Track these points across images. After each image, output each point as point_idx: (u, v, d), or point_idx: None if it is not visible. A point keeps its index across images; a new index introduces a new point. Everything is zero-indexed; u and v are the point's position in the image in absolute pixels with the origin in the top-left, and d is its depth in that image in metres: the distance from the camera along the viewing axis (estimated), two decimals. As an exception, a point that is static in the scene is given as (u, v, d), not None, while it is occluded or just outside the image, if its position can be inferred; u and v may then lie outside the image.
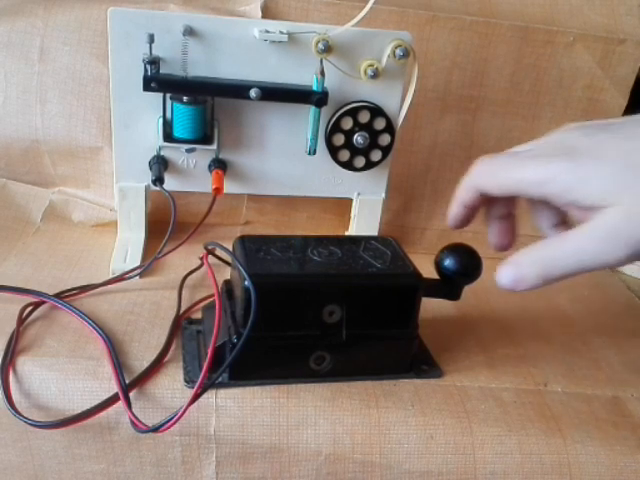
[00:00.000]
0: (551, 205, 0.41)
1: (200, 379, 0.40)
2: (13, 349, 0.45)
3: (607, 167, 0.36)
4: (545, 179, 0.38)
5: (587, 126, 0.40)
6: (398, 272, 0.45)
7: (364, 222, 0.65)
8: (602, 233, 0.36)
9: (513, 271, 0.39)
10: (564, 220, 0.42)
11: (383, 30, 0.57)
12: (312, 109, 0.57)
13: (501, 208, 0.44)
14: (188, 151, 0.59)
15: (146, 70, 0.54)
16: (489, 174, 0.41)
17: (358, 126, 0.59)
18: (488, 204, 0.45)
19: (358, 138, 0.59)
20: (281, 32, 0.55)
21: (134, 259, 0.59)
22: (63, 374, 0.44)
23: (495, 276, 0.40)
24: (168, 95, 0.56)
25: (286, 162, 0.61)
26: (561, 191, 0.38)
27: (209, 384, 0.41)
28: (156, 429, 0.39)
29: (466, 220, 0.44)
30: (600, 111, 0.70)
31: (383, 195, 0.64)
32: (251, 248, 0.45)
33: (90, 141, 0.63)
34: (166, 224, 0.57)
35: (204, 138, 0.58)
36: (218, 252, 0.48)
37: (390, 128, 0.60)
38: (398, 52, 0.56)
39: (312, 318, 0.43)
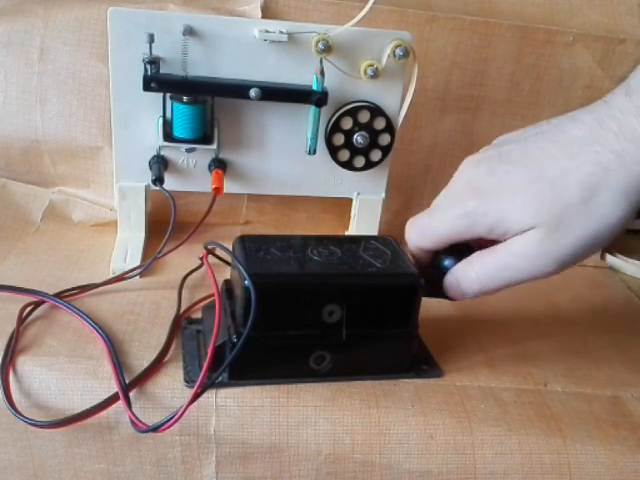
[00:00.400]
0: None
1: (200, 379, 0.40)
2: (13, 349, 0.45)
3: (518, 198, 0.40)
4: (467, 226, 0.42)
5: (486, 160, 0.43)
6: (398, 272, 0.45)
7: (364, 222, 0.65)
8: (532, 251, 0.40)
9: (456, 288, 0.44)
10: None
11: (383, 30, 0.57)
12: (312, 109, 0.57)
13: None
14: (188, 151, 0.59)
15: (146, 70, 0.54)
16: (419, 235, 0.45)
17: (358, 126, 0.59)
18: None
19: (358, 138, 0.59)
20: (281, 32, 0.55)
21: (134, 259, 0.59)
22: (63, 374, 0.44)
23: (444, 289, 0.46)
24: (168, 95, 0.56)
25: (286, 162, 0.61)
26: (487, 230, 0.42)
27: (209, 384, 0.41)
28: (156, 429, 0.39)
29: None
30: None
31: (383, 195, 0.64)
32: (251, 248, 0.45)
33: (90, 141, 0.63)
34: (166, 224, 0.57)
35: (204, 138, 0.58)
36: (218, 252, 0.48)
37: (390, 128, 0.60)
38: (398, 52, 0.56)
39: (312, 318, 0.43)
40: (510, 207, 0.40)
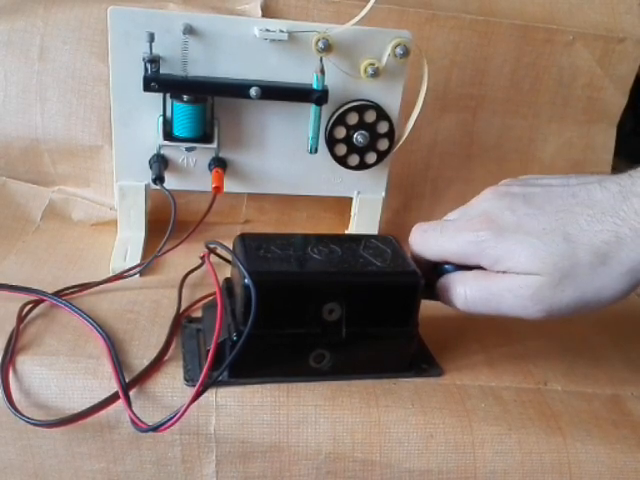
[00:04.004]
0: None
1: (201, 378, 0.40)
2: (13, 348, 0.45)
3: (530, 243, 0.41)
4: (474, 253, 0.43)
5: (510, 196, 0.44)
6: (398, 270, 0.45)
7: (364, 221, 0.65)
8: (528, 294, 0.41)
9: (445, 295, 0.45)
10: None
11: (383, 29, 0.57)
12: (313, 107, 0.57)
13: None
14: (188, 150, 0.59)
15: (146, 69, 0.54)
16: (423, 245, 0.46)
17: (358, 125, 0.59)
18: None
19: (358, 137, 0.59)
20: (281, 31, 0.55)
21: (134, 258, 0.59)
22: (63, 373, 0.44)
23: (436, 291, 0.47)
24: (168, 94, 0.56)
25: (286, 161, 0.61)
26: (490, 263, 0.43)
27: (210, 383, 0.41)
28: (156, 428, 0.39)
29: None
30: (600, 110, 0.70)
31: (383, 194, 0.64)
32: (251, 246, 0.45)
33: (90, 140, 0.63)
34: (166, 223, 0.57)
35: (204, 137, 0.58)
36: (218, 250, 0.48)
37: (390, 127, 0.60)
38: (398, 51, 0.56)
39: (312, 316, 0.43)
40: (520, 249, 0.41)
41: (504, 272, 0.42)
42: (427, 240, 0.46)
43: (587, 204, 0.41)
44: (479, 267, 0.44)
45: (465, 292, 0.44)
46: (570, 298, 0.40)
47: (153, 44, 0.53)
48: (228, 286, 0.47)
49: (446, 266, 0.46)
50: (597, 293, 0.40)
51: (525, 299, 0.41)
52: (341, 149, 0.60)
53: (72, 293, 0.52)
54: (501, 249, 0.42)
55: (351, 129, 0.59)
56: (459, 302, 0.44)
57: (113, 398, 0.42)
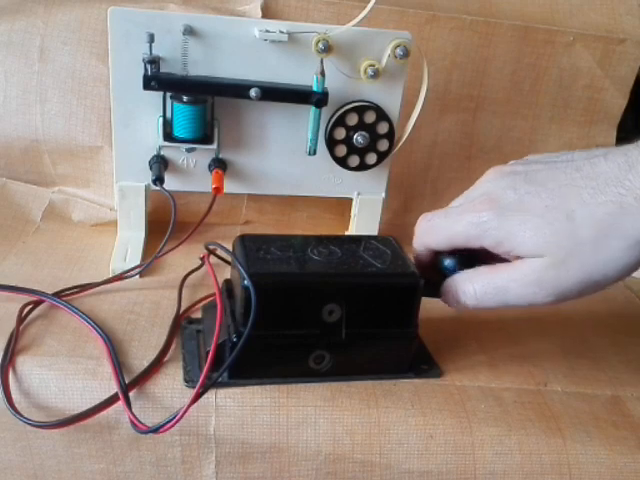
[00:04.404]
0: None
1: (201, 379, 0.40)
2: (13, 348, 0.45)
3: (530, 223, 0.40)
4: (477, 235, 0.42)
5: (512, 175, 0.43)
6: (398, 272, 0.45)
7: (364, 221, 0.65)
8: (532, 278, 0.40)
9: (453, 296, 0.45)
10: None
11: (383, 30, 0.57)
12: (312, 109, 0.57)
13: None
14: (188, 151, 0.59)
15: (146, 70, 0.54)
16: (429, 233, 0.46)
17: (358, 126, 0.59)
18: None
19: (358, 138, 0.59)
20: (281, 32, 0.55)
21: (134, 258, 0.59)
22: (63, 373, 0.44)
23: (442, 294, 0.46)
24: (168, 95, 0.56)
25: (286, 162, 0.61)
26: (494, 244, 0.42)
27: (210, 384, 0.41)
28: (156, 430, 0.39)
29: None
30: (600, 110, 0.70)
31: (383, 194, 0.64)
32: (251, 247, 0.45)
33: (90, 140, 0.63)
34: (166, 224, 0.57)
35: (204, 138, 0.58)
36: (218, 251, 0.48)
37: (390, 128, 0.60)
38: (398, 52, 0.56)
39: (312, 317, 0.43)
40: (522, 228, 0.40)
41: (509, 254, 0.41)
42: (432, 227, 0.45)
43: (591, 177, 0.39)
44: (484, 251, 0.43)
45: (474, 289, 0.43)
46: (576, 277, 0.39)
47: (153, 45, 0.53)
48: (228, 287, 0.47)
49: (447, 263, 0.45)
50: (603, 268, 0.39)
51: (531, 285, 0.40)
52: (341, 150, 0.60)
53: (72, 294, 0.52)
54: (503, 230, 0.41)
55: (351, 130, 0.59)
56: (470, 300, 0.44)
57: (113, 399, 0.42)
